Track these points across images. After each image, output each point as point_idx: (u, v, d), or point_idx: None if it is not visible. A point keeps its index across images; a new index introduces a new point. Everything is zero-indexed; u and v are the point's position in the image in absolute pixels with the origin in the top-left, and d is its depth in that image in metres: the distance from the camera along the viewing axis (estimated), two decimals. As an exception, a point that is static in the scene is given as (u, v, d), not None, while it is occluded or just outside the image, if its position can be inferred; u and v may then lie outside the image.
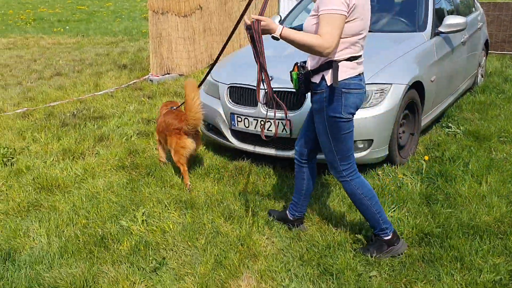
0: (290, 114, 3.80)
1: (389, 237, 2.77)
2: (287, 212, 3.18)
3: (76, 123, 5.52)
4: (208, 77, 4.58)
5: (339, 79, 2.51)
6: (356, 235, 2.99)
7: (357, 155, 3.76)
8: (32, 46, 11.77)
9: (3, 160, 4.43)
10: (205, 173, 4.08)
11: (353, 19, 2.47)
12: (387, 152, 3.90)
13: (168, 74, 7.95)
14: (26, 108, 6.24)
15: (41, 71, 8.61)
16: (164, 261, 2.81)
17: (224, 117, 4.21)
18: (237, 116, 4.09)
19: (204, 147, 4.68)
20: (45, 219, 3.31)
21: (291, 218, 3.16)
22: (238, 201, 3.54)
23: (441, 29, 4.66)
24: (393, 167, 3.98)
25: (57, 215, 3.37)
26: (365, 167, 3.93)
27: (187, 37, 7.89)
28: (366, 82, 3.85)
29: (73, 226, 3.25)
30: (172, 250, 2.97)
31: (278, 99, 2.61)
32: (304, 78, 2.60)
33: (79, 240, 3.06)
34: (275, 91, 3.68)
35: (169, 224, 3.23)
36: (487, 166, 3.90)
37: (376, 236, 2.81)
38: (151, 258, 2.86)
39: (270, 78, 2.61)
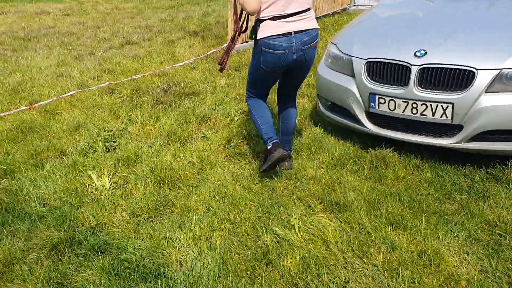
0: (452, 96, 3.19)
1: (269, 147, 3.18)
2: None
3: (171, 100, 5.04)
4: (333, 50, 3.98)
5: (258, 37, 2.90)
6: None
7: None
8: (90, 12, 11.32)
9: (105, 145, 4.02)
10: (339, 163, 3.55)
11: None
12: None
13: (247, 42, 7.35)
14: (108, 83, 5.81)
15: (110, 40, 8.16)
16: (347, 285, 2.33)
17: (360, 98, 3.62)
18: (379, 97, 3.49)
19: (323, 130, 4.13)
20: (185, 223, 2.86)
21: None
22: (397, 202, 3.00)
23: None
24: None
25: (196, 218, 2.92)
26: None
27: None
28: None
29: (216, 232, 2.79)
30: (346, 268, 2.47)
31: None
32: (254, 31, 2.96)
33: (234, 252, 2.60)
34: (431, 67, 3.30)
35: (327, 231, 2.73)
36: None
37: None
38: (327, 279, 2.38)
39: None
